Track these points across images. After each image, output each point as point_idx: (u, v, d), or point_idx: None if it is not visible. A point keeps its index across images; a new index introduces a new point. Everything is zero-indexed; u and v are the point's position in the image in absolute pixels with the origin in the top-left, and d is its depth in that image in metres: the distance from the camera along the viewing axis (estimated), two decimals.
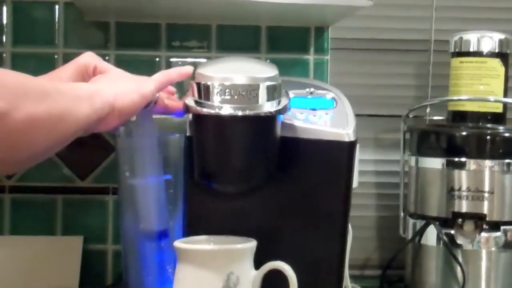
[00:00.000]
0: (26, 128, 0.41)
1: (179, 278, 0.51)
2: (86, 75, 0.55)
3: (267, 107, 0.51)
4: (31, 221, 0.76)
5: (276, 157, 0.53)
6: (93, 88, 0.49)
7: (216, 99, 0.50)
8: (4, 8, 0.76)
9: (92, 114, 0.47)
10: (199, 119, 0.52)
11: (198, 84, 0.51)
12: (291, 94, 0.55)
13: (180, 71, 0.55)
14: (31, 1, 0.76)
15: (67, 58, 0.77)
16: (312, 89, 0.58)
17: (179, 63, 0.78)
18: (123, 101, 0.50)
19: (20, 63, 0.76)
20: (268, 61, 0.76)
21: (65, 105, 0.45)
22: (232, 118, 0.50)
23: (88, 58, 0.54)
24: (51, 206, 0.76)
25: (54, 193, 0.76)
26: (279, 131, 0.53)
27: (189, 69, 0.54)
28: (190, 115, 0.54)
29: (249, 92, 0.50)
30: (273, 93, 0.51)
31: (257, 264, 0.52)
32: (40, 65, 0.76)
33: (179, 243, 0.52)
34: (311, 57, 0.79)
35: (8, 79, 0.41)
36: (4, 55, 0.76)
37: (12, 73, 0.42)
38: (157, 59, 0.78)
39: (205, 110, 0.50)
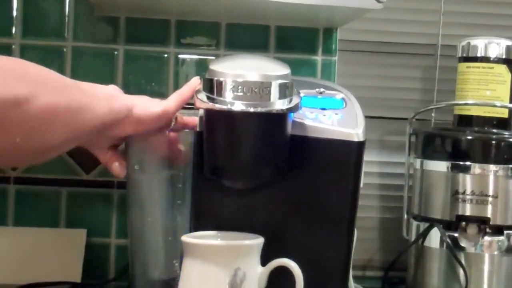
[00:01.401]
0: (45, 116, 0.41)
1: (185, 273, 0.52)
2: None
3: (279, 104, 0.51)
4: (35, 213, 0.76)
5: (286, 154, 0.54)
6: (113, 91, 0.50)
7: (228, 95, 0.50)
8: (14, 2, 0.76)
9: (109, 114, 0.48)
10: (211, 114, 0.53)
11: (211, 80, 0.51)
12: (301, 93, 0.55)
13: (190, 86, 0.56)
14: None
15: (76, 52, 0.78)
16: (322, 89, 0.59)
17: (188, 59, 0.79)
18: (143, 108, 0.51)
19: (28, 55, 0.76)
20: (278, 60, 0.76)
21: (83, 100, 0.45)
22: (244, 114, 0.51)
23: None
24: (55, 198, 0.77)
25: (59, 185, 0.77)
26: (289, 129, 0.54)
27: (196, 81, 0.55)
28: (201, 110, 0.54)
29: (261, 89, 0.50)
30: (285, 91, 0.52)
31: (264, 261, 0.52)
32: (49, 58, 0.76)
33: (186, 238, 0.52)
34: (319, 58, 0.79)
35: (30, 68, 0.42)
36: (13, 46, 0.76)
37: (34, 65, 0.43)
38: (166, 55, 0.78)
39: (217, 106, 0.50)
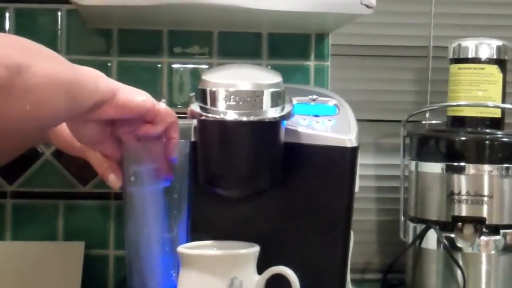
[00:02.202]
0: (47, 83, 0.42)
1: (183, 283, 0.52)
2: None
3: (271, 113, 0.51)
4: (32, 227, 0.76)
5: (280, 162, 0.54)
6: (98, 72, 0.50)
7: (221, 105, 0.51)
8: (7, 15, 0.77)
9: (95, 92, 0.48)
10: (204, 124, 0.53)
11: (204, 90, 0.52)
12: (294, 101, 0.55)
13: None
14: (34, 7, 0.77)
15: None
16: (315, 96, 0.59)
17: (181, 69, 0.79)
18: (126, 93, 0.50)
19: None
20: (269, 67, 0.77)
21: (75, 73, 0.46)
22: (237, 124, 0.51)
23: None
24: (52, 211, 0.77)
25: (56, 198, 0.77)
26: (283, 137, 0.54)
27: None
28: (195, 121, 0.54)
29: (253, 98, 0.51)
30: (277, 99, 0.52)
31: (261, 269, 0.52)
32: None
33: (182, 249, 0.52)
34: (311, 63, 0.80)
35: (23, 41, 0.43)
36: None
37: (25, 39, 0.44)
38: (159, 65, 0.79)
39: (210, 116, 0.51)
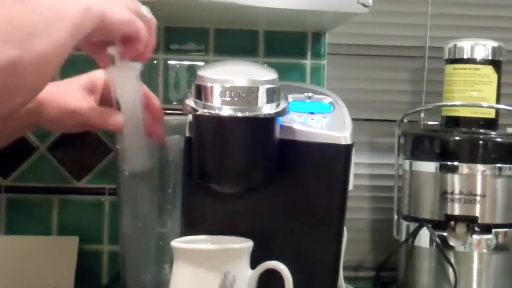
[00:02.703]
0: (39, 67, 0.41)
1: (176, 278, 0.52)
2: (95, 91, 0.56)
3: (266, 109, 0.52)
4: (26, 221, 0.76)
5: (274, 158, 0.54)
6: (84, 5, 0.46)
7: (216, 100, 0.51)
8: None
9: (83, 33, 0.46)
10: (199, 120, 0.53)
11: (199, 86, 0.52)
12: (290, 98, 0.56)
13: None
14: None
15: (67, 61, 0.78)
16: (310, 94, 0.59)
17: (177, 66, 0.79)
18: (112, 17, 0.48)
19: None
20: (265, 65, 0.77)
21: (69, 30, 0.44)
22: (232, 119, 0.51)
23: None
24: (47, 206, 0.77)
25: (50, 193, 0.77)
26: (277, 133, 0.54)
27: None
28: (190, 116, 0.54)
29: (249, 94, 0.51)
30: (272, 95, 0.52)
31: (254, 264, 0.52)
32: None
33: (176, 243, 0.52)
34: (308, 62, 0.80)
35: (15, 19, 0.40)
36: None
37: (17, 7, 0.40)
38: (155, 61, 0.79)
39: (205, 111, 0.51)
